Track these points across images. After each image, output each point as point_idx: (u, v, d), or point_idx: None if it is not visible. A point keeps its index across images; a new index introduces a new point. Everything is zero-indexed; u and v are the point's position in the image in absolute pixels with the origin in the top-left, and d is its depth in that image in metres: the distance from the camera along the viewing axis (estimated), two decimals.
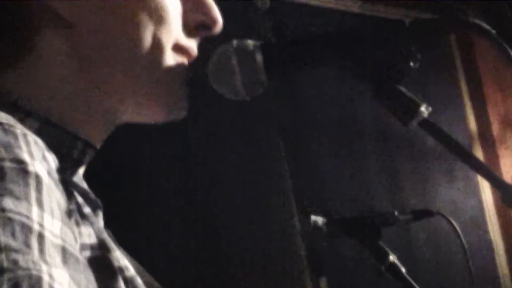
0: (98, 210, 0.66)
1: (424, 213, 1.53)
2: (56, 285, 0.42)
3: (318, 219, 1.49)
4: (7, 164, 0.46)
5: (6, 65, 0.65)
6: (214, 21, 0.73)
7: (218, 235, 2.22)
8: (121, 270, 0.61)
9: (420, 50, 0.74)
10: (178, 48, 0.71)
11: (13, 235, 0.42)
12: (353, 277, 2.51)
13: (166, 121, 0.73)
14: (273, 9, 2.44)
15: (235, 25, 0.88)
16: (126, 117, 0.71)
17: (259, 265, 2.24)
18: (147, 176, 2.07)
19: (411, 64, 0.74)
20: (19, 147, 0.48)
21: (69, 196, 0.56)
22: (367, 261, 1.46)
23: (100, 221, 0.67)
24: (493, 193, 3.26)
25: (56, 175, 0.53)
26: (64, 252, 0.47)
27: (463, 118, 3.37)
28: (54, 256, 0.45)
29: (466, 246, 1.53)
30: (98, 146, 0.70)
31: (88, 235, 0.58)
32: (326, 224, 1.49)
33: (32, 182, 0.47)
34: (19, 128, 0.50)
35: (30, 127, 0.57)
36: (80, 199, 0.62)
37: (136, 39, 0.66)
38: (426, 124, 0.73)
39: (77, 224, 0.57)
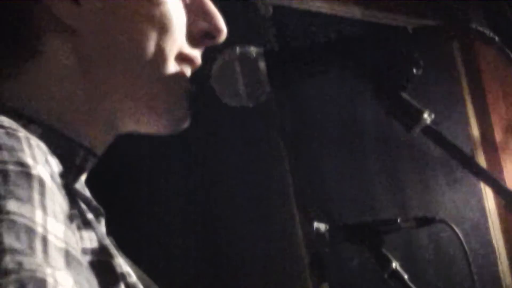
0: (100, 217, 0.66)
1: (427, 220, 1.52)
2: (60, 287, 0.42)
3: (321, 226, 1.48)
4: (11, 167, 0.46)
5: (8, 71, 0.65)
6: (218, 30, 0.73)
7: (218, 235, 2.21)
8: (123, 276, 0.60)
9: (422, 56, 0.74)
10: (182, 57, 0.71)
11: (17, 237, 0.42)
12: (355, 283, 2.50)
13: (166, 132, 0.73)
14: (276, 16, 2.45)
15: (238, 32, 0.88)
16: (126, 125, 0.71)
17: (259, 265, 2.24)
18: (147, 176, 2.07)
19: (414, 70, 0.74)
20: (22, 150, 0.48)
21: (71, 201, 0.56)
22: (369, 268, 1.46)
23: (102, 228, 0.67)
24: (496, 199, 3.25)
25: (58, 180, 0.53)
26: (68, 255, 0.47)
27: (466, 124, 3.37)
28: (57, 259, 0.45)
29: (468, 252, 1.52)
30: (99, 153, 0.70)
31: (90, 240, 0.58)
32: (328, 230, 1.48)
33: (35, 186, 0.47)
34: (22, 132, 0.50)
35: (33, 133, 0.57)
36: (83, 205, 0.62)
37: (139, 47, 0.66)
38: (428, 131, 0.73)
39: (79, 228, 0.57)
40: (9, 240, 0.42)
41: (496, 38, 0.74)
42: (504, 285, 3.19)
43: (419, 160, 3.01)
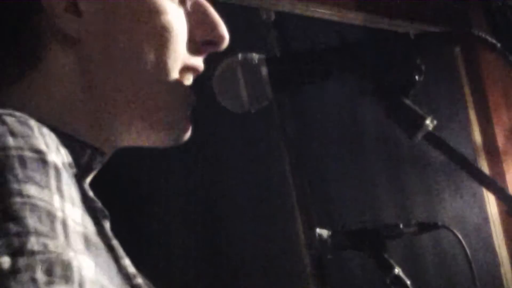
0: (105, 219, 0.66)
1: (429, 226, 1.52)
2: (84, 271, 0.43)
3: (323, 232, 1.48)
4: (27, 153, 0.47)
5: (13, 80, 0.65)
6: (221, 38, 0.73)
7: (218, 235, 2.21)
8: (129, 277, 0.61)
9: (424, 62, 0.74)
10: (185, 68, 0.71)
11: (40, 220, 0.43)
12: None
13: (167, 144, 0.73)
14: (278, 22, 2.45)
15: (240, 38, 0.88)
16: (127, 136, 0.71)
17: (259, 265, 2.23)
18: (147, 176, 2.08)
19: (416, 76, 0.74)
20: (36, 137, 0.49)
21: (82, 193, 0.56)
22: (371, 273, 1.46)
23: (108, 230, 0.67)
24: (499, 205, 3.25)
25: (70, 170, 0.54)
26: (86, 239, 0.47)
27: (468, 130, 3.37)
28: (77, 242, 0.45)
29: (471, 258, 1.51)
30: (107, 152, 0.70)
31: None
32: (331, 236, 1.48)
33: (51, 172, 0.47)
34: (33, 121, 0.51)
35: None
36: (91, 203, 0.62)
37: (140, 58, 0.66)
38: (431, 137, 0.73)
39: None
40: (33, 222, 0.42)
41: (498, 44, 0.74)
42: None
43: (422, 165, 3.01)
